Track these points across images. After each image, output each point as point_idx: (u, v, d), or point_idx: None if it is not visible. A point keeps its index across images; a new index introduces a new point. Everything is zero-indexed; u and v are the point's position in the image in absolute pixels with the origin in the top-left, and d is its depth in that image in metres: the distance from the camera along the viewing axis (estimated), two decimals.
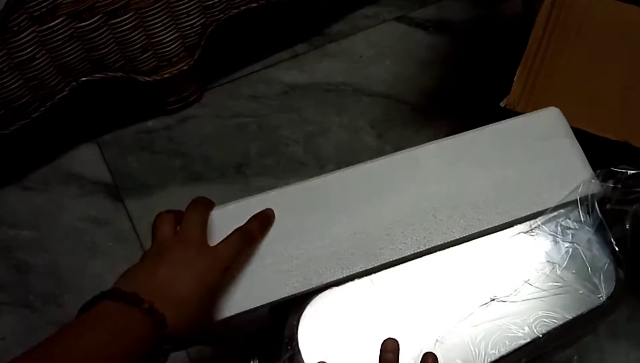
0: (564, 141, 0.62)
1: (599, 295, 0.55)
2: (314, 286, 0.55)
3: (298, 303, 0.56)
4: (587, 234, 0.57)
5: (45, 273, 0.88)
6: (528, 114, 0.64)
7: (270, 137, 0.98)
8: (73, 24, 0.77)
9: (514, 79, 0.68)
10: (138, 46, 0.84)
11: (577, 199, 0.57)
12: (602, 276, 0.55)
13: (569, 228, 0.58)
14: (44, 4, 0.73)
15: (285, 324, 0.55)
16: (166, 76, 0.91)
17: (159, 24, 0.83)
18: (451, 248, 0.58)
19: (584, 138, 0.62)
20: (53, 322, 0.85)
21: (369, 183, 0.60)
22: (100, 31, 0.79)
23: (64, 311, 0.85)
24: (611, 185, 0.56)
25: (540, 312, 0.55)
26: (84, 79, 0.85)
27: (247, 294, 0.55)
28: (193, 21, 0.87)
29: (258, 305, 0.54)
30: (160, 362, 0.47)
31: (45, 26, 0.75)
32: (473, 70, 1.05)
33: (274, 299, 0.55)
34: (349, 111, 1.01)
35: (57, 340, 0.42)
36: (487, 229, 0.58)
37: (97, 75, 0.86)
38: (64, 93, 0.85)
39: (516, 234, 0.58)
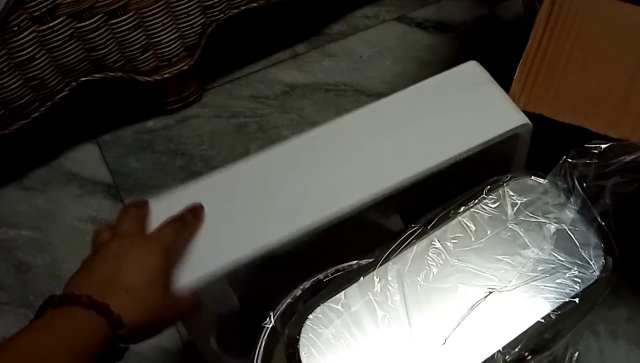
0: (487, 86, 0.65)
1: (592, 271, 0.55)
2: (274, 244, 0.54)
3: (298, 315, 0.55)
4: (571, 213, 0.57)
5: (45, 273, 0.88)
6: (448, 70, 0.66)
7: (270, 137, 0.98)
8: (73, 24, 0.77)
9: (514, 79, 0.68)
10: (138, 45, 0.84)
11: (564, 186, 0.58)
12: (591, 251, 0.56)
13: (552, 211, 0.58)
14: (44, 4, 0.73)
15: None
16: (166, 76, 0.91)
17: (159, 24, 0.83)
18: (442, 249, 0.58)
19: (550, 125, 0.64)
20: None
21: (309, 155, 0.61)
22: (100, 31, 0.79)
23: None
24: (587, 161, 0.57)
25: (538, 296, 0.55)
26: (84, 79, 0.85)
27: (200, 261, 0.53)
28: (193, 21, 0.87)
29: (213, 269, 0.53)
30: (121, 349, 0.47)
31: (45, 26, 0.75)
32: None
33: (229, 262, 0.53)
34: (349, 111, 1.01)
35: (6, 347, 0.42)
36: (432, 166, 0.59)
37: (97, 75, 0.86)
38: (64, 93, 0.85)
39: (502, 225, 0.58)
